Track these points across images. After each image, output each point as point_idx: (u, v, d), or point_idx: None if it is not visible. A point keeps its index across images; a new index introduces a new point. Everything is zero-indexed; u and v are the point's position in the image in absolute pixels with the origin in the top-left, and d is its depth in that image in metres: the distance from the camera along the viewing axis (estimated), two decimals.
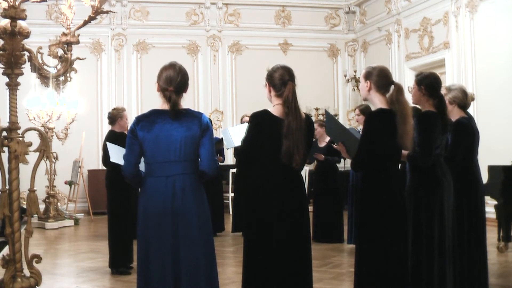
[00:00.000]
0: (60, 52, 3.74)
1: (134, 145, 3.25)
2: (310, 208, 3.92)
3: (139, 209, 3.28)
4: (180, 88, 3.28)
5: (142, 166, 3.36)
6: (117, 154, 5.18)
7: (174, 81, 3.26)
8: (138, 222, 3.28)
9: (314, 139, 8.09)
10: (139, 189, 3.40)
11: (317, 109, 12.14)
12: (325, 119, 5.19)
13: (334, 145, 4.03)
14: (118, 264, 5.88)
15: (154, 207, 3.20)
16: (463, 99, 4.53)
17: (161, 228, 3.18)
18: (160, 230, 3.18)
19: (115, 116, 6.09)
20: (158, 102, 3.34)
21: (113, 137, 5.96)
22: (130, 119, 9.23)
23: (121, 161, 3.81)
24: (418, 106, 4.14)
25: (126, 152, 3.31)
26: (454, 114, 4.55)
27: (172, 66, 3.30)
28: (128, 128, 3.57)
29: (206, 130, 3.27)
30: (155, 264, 3.18)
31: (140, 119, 3.27)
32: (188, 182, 3.23)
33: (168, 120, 3.22)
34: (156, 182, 3.21)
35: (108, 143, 5.75)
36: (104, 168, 6.24)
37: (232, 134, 7.70)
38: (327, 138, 7.61)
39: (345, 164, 9.69)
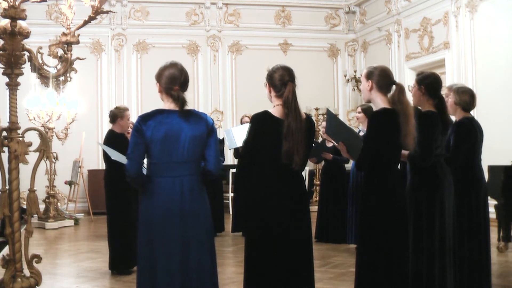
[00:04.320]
0: (60, 52, 3.75)
1: (139, 144, 3.18)
2: (311, 208, 3.91)
3: (142, 211, 3.23)
4: (185, 87, 3.28)
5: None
6: (116, 154, 5.14)
7: (178, 79, 3.25)
8: (141, 224, 3.22)
9: (322, 139, 8.10)
10: (141, 191, 3.33)
11: (317, 109, 12.13)
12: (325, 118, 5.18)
13: (335, 144, 4.02)
14: (118, 265, 5.85)
15: (160, 208, 3.16)
16: (470, 103, 4.55)
17: (168, 230, 3.14)
18: (167, 232, 3.14)
19: (115, 115, 5.98)
20: (158, 102, 3.33)
21: (112, 137, 5.88)
22: (133, 120, 9.19)
23: (122, 160, 3.79)
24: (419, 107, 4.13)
25: (130, 150, 3.23)
26: (458, 115, 4.55)
27: (174, 65, 3.28)
28: (132, 127, 3.54)
29: (212, 131, 3.28)
30: (163, 265, 3.14)
31: (146, 118, 3.20)
32: (195, 183, 3.23)
33: (176, 120, 3.19)
34: (163, 183, 3.18)
35: (102, 145, 5.67)
36: (104, 168, 6.19)
37: (235, 134, 7.70)
38: None
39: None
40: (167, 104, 3.27)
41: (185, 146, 3.18)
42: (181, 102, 3.21)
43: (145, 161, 3.30)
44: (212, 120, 3.37)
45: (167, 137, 3.17)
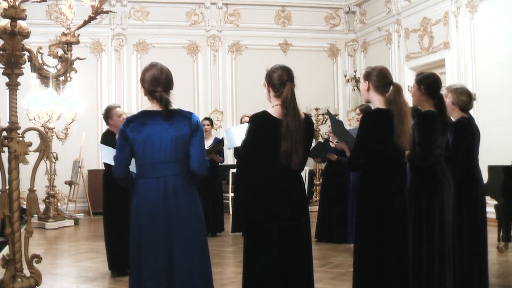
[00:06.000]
0: (60, 52, 3.75)
1: (124, 146, 3.25)
2: (311, 208, 3.92)
3: (131, 211, 3.28)
4: (168, 87, 3.30)
5: (133, 168, 3.35)
6: (108, 155, 5.18)
7: (160, 80, 3.27)
8: (131, 224, 3.27)
9: (325, 139, 8.09)
10: (131, 191, 3.37)
11: (317, 109, 12.13)
12: (329, 119, 5.20)
13: (335, 143, 4.03)
14: (117, 265, 5.83)
15: (146, 208, 3.19)
16: (467, 104, 4.56)
17: (153, 229, 3.17)
18: (152, 231, 3.17)
19: (105, 117, 6.03)
20: None
21: (107, 136, 5.89)
22: None
23: (112, 162, 3.83)
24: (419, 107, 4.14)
25: (116, 153, 3.30)
26: (455, 115, 4.56)
27: (154, 66, 3.31)
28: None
29: (196, 130, 3.27)
30: (149, 265, 3.16)
31: (130, 121, 3.27)
32: (180, 182, 3.22)
33: (158, 120, 3.22)
34: (147, 183, 3.21)
35: (100, 145, 5.73)
36: (104, 168, 6.20)
37: (235, 134, 7.70)
38: None
39: None
40: (153, 106, 3.30)
41: (167, 146, 3.20)
42: (164, 103, 3.23)
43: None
44: (198, 118, 3.35)
45: (149, 138, 3.20)
